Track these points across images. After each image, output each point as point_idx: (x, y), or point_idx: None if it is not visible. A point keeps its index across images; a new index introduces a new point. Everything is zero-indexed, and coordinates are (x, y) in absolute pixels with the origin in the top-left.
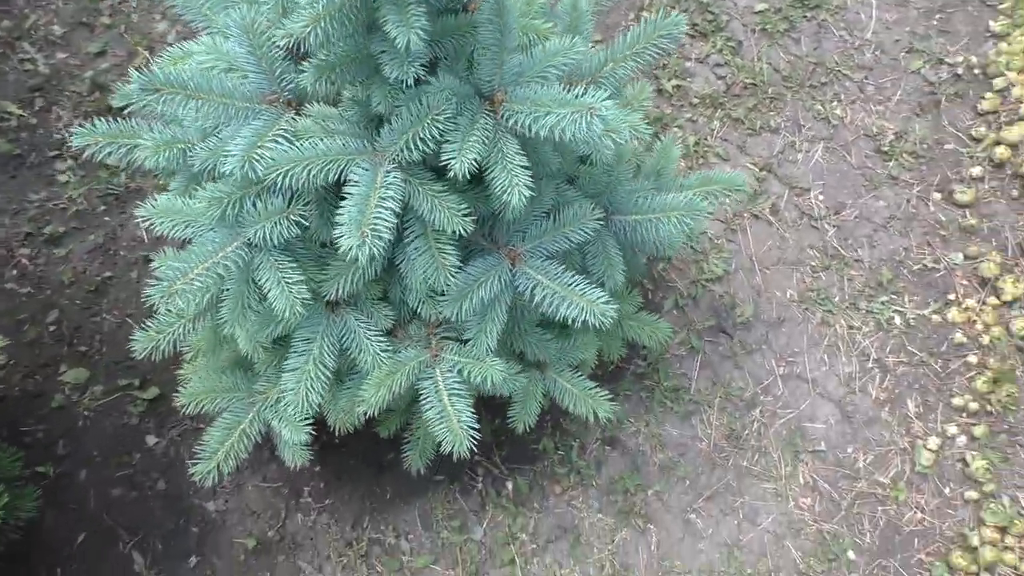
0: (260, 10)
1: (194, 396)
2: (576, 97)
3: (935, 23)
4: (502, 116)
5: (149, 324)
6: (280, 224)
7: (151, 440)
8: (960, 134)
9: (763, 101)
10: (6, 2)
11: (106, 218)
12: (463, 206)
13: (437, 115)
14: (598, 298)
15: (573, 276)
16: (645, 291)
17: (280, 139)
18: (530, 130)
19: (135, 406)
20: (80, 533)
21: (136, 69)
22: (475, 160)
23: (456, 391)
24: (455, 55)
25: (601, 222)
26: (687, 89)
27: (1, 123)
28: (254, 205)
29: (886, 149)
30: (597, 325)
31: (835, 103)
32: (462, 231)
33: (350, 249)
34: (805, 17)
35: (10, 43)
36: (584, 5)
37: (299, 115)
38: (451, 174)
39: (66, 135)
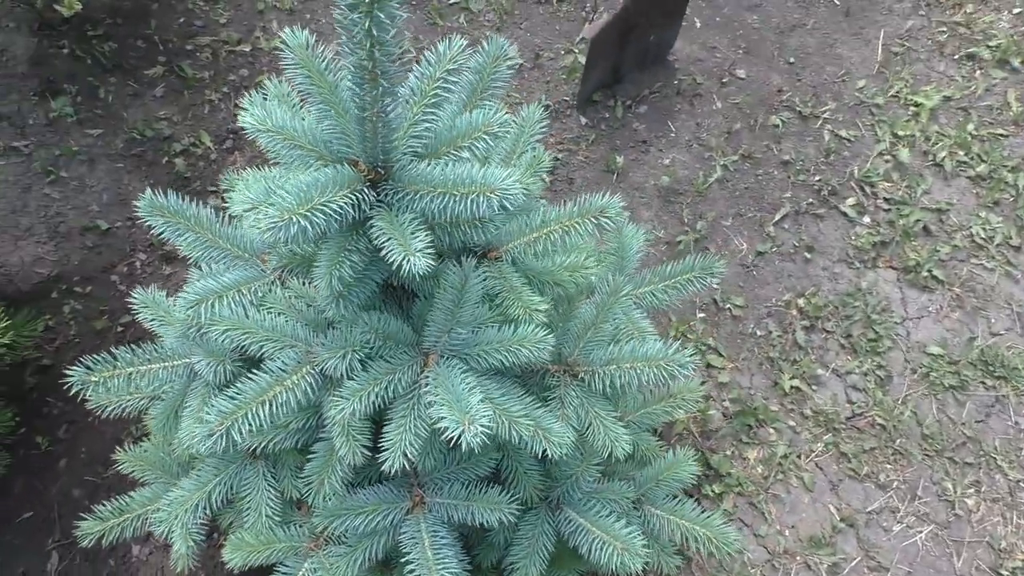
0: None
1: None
2: None
3: None
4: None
5: None
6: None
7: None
8: None
9: (885, 448)
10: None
11: None
12: (365, 437)
13: (357, 349)
14: None
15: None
16: None
17: (243, 296)
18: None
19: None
20: (29, 511)
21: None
22: (378, 402)
23: None
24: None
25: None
26: (806, 396)
27: (191, 148)
28: None
29: (1005, 573)
30: None
31: (971, 491)
32: (355, 460)
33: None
34: (983, 383)
35: (242, 88)
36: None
37: (282, 284)
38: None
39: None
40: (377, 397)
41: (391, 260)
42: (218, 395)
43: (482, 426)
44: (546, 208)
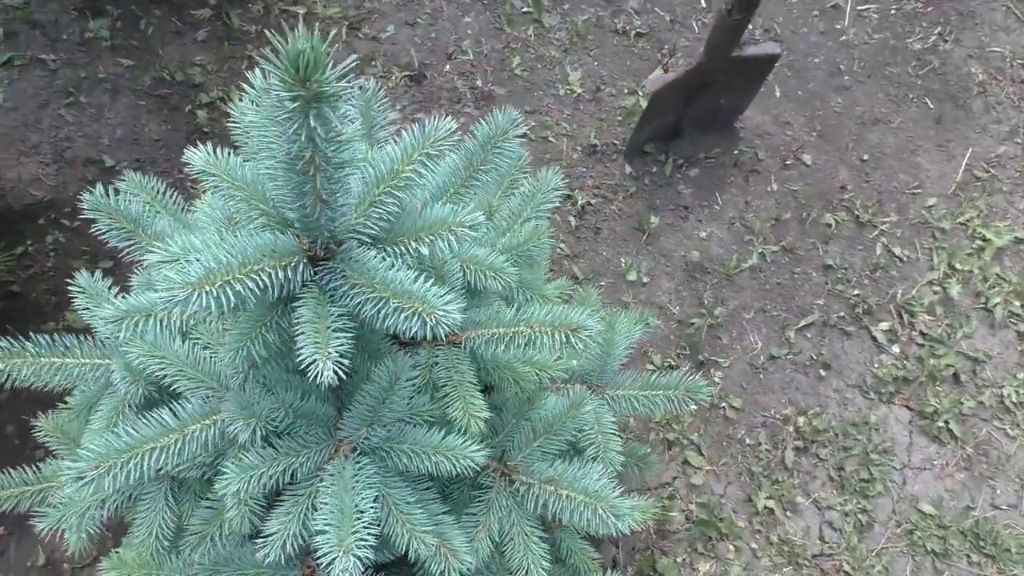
0: None
1: None
2: None
3: None
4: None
5: None
6: None
7: None
8: None
9: None
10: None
11: None
12: (259, 506)
13: (263, 423)
14: None
15: None
16: None
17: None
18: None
19: None
20: None
21: None
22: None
23: None
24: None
25: None
26: (777, 521)
27: (218, 101)
28: None
29: None
30: None
31: None
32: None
33: None
34: (968, 557)
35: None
36: None
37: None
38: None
39: None
40: (272, 480)
41: (300, 357)
42: (126, 414)
43: (357, 556)
44: (523, 306)
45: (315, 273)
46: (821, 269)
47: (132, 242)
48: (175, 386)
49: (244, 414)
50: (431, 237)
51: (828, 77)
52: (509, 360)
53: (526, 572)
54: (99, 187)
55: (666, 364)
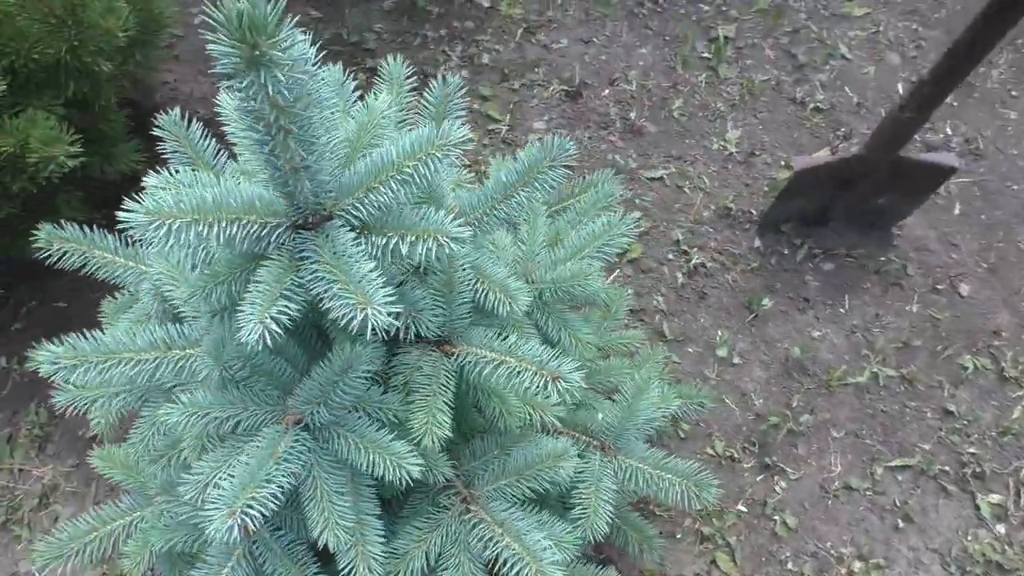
0: None
1: None
2: None
3: None
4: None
5: None
6: None
7: None
8: None
9: None
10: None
11: None
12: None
13: (219, 368)
14: None
15: None
16: None
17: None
18: None
19: None
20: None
21: None
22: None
23: None
24: None
25: None
26: None
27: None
28: None
29: None
30: None
31: None
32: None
33: None
34: None
35: (459, 39)
36: None
37: None
38: None
39: None
40: (216, 424)
41: (240, 312)
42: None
43: (242, 522)
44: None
45: (293, 239)
46: (940, 412)
47: (194, 167)
48: (180, 311)
49: (212, 353)
50: (414, 238)
51: (1023, 209)
52: (501, 389)
53: None
54: (176, 110)
55: (727, 454)
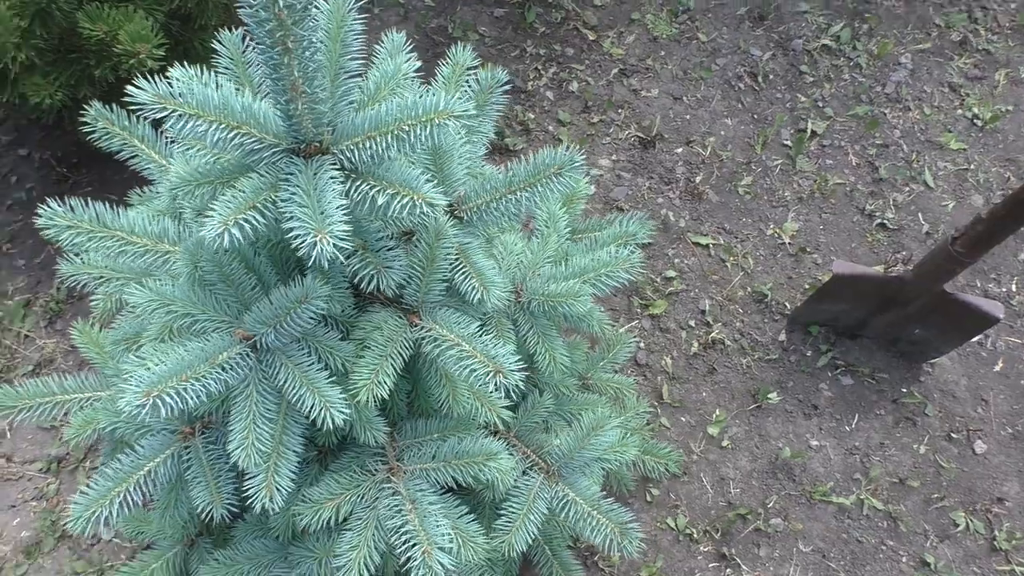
0: None
1: None
2: None
3: None
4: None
5: None
6: None
7: None
8: None
9: None
10: (589, 44)
11: None
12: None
13: (196, 270)
14: None
15: None
16: None
17: None
18: None
19: None
20: None
21: None
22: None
23: None
24: None
25: None
26: None
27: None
28: None
29: None
30: None
31: None
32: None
33: None
34: None
35: (553, 62)
36: None
37: None
38: None
39: None
40: (170, 319)
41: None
42: None
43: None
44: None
45: (284, 163)
46: (916, 561)
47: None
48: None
49: (189, 250)
50: (393, 191)
51: None
52: (453, 373)
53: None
54: (240, 30)
55: (687, 531)
